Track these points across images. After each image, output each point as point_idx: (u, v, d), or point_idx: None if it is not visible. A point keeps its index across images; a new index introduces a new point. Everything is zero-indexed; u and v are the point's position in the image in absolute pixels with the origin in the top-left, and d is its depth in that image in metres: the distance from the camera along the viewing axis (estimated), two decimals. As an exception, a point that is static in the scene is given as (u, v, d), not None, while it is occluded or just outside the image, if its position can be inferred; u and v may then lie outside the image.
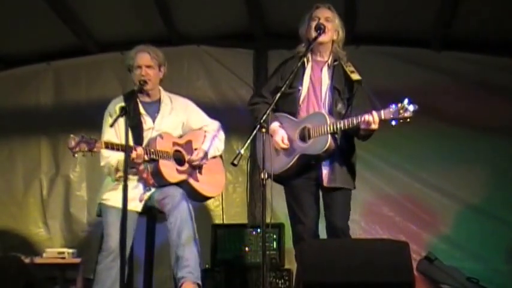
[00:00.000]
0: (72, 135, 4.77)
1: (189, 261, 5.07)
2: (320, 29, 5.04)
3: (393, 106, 4.75)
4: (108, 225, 5.13)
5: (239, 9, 7.27)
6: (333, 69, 5.17)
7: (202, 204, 5.69)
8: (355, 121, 4.84)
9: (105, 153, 5.13)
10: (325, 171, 5.03)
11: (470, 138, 7.30)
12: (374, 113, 4.78)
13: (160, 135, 5.33)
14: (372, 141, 5.38)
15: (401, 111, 4.70)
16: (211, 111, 6.01)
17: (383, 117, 4.77)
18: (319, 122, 4.95)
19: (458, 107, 7.34)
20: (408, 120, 4.72)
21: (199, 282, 5.09)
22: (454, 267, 6.87)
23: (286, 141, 5.05)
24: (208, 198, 5.71)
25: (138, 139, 5.28)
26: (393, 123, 4.75)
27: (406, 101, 4.70)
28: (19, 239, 7.57)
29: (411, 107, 4.69)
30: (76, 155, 4.84)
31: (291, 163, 5.04)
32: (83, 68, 7.98)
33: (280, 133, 5.07)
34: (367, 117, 4.78)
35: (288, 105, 5.14)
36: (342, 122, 4.89)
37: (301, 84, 5.15)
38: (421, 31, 7.36)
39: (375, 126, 4.80)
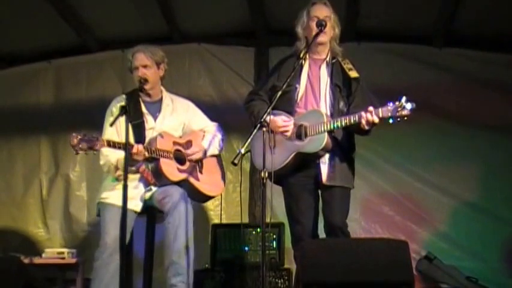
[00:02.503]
0: (74, 134, 4.76)
1: (184, 270, 5.12)
2: (322, 25, 4.99)
3: (391, 104, 4.70)
4: (105, 222, 5.13)
5: (240, 7, 7.27)
6: (332, 66, 5.14)
7: (201, 204, 5.69)
8: (352, 119, 4.80)
9: (105, 151, 5.12)
10: (324, 169, 4.99)
11: (471, 136, 7.28)
12: (373, 111, 4.73)
13: (161, 135, 5.32)
14: (372, 139, 5.35)
15: (399, 110, 4.65)
16: (212, 109, 6.02)
17: (381, 115, 4.72)
18: (316, 120, 4.92)
19: (460, 104, 7.33)
20: (405, 118, 4.67)
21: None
22: (454, 266, 6.89)
23: (289, 122, 5.00)
24: (209, 197, 5.69)
25: (140, 138, 5.27)
26: (391, 121, 4.71)
27: (403, 99, 4.65)
28: (19, 239, 7.58)
29: (409, 105, 4.64)
30: (79, 153, 4.85)
31: (286, 161, 5.00)
32: (84, 66, 7.97)
33: (279, 117, 5.01)
34: (364, 115, 4.73)
35: (284, 103, 5.06)
36: (338, 120, 4.86)
37: (299, 82, 5.10)
38: (423, 28, 7.35)
39: (372, 125, 4.76)
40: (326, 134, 4.87)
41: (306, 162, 5.02)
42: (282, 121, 5.00)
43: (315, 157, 4.98)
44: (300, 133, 4.98)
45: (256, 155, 5.02)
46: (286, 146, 5.02)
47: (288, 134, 5.01)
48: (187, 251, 5.13)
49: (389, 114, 4.69)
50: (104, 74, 7.90)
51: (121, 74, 7.64)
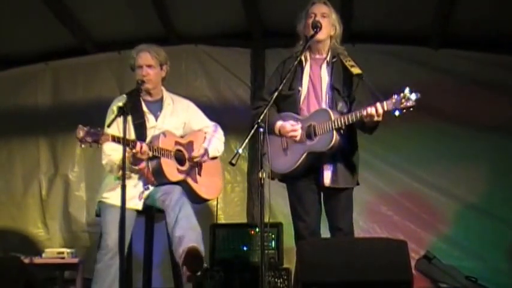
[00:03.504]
0: (80, 126, 4.77)
1: (192, 240, 5.00)
2: (317, 27, 5.02)
3: (395, 96, 4.70)
4: (107, 223, 5.15)
5: (236, 9, 7.26)
6: (332, 66, 5.15)
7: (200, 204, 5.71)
8: (358, 115, 4.81)
9: (108, 150, 5.15)
10: (326, 172, 5.01)
11: (469, 137, 7.29)
12: (377, 105, 4.73)
13: (164, 133, 5.34)
14: (370, 140, 5.37)
15: (403, 101, 4.65)
16: (209, 110, 6.01)
17: (386, 109, 4.72)
18: (323, 119, 4.93)
19: (457, 105, 7.33)
20: (411, 109, 4.67)
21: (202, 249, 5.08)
22: (453, 266, 6.90)
23: (297, 126, 5.00)
24: (205, 200, 5.70)
25: (142, 137, 5.29)
26: (397, 113, 4.69)
27: (407, 90, 4.67)
28: (18, 239, 7.57)
29: (413, 96, 4.65)
30: (83, 146, 4.84)
31: (299, 161, 5.00)
32: (81, 68, 7.96)
33: (288, 122, 5.02)
34: (370, 110, 4.74)
35: (288, 107, 5.12)
36: (345, 116, 4.86)
37: (301, 85, 5.13)
38: (419, 29, 7.34)
39: (378, 118, 4.76)
40: (334, 131, 4.87)
41: (318, 162, 5.02)
42: (290, 125, 5.01)
43: (326, 156, 4.99)
44: (309, 133, 4.99)
45: (273, 159, 4.95)
46: (298, 147, 5.03)
47: (297, 138, 5.01)
48: (195, 229, 5.10)
49: (394, 106, 4.69)
50: (101, 75, 7.90)
51: (118, 75, 7.69)
